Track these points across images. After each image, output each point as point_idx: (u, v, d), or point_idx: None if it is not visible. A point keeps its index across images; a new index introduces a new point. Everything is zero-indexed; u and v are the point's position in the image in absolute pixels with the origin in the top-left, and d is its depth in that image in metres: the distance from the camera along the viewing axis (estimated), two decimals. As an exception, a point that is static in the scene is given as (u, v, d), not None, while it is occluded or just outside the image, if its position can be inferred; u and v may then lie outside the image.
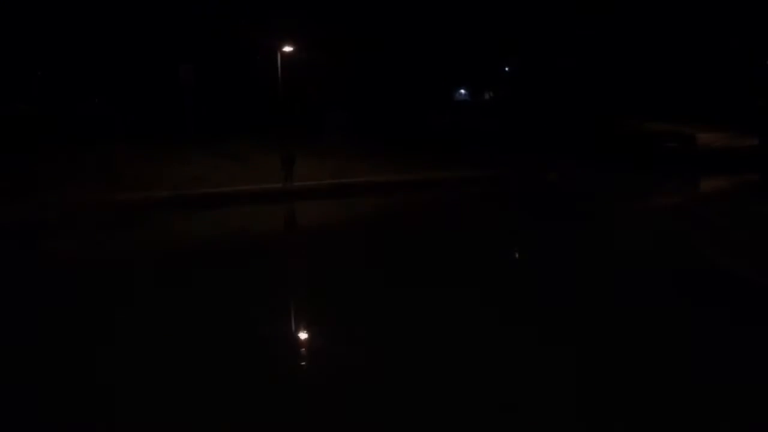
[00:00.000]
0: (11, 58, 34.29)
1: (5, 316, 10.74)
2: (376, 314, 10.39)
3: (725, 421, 6.76)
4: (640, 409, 6.96)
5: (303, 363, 8.67)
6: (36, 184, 22.68)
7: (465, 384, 7.58)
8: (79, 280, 13.24)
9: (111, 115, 33.28)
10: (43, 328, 10.02)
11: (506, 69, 57.40)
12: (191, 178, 25.32)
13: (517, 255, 16.08)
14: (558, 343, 8.99)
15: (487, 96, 59.43)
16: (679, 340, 9.07)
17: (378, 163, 30.30)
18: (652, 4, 45.26)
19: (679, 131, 47.20)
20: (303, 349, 9.19)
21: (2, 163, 24.68)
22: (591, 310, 10.48)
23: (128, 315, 10.58)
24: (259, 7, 38.62)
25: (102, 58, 35.98)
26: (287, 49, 33.80)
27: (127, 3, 36.18)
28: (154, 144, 29.38)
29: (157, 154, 27.94)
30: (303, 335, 9.84)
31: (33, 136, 28.44)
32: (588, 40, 45.50)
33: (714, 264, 13.36)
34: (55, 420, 6.86)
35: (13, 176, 23.51)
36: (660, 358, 8.41)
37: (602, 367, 8.12)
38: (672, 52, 43.78)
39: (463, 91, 60.00)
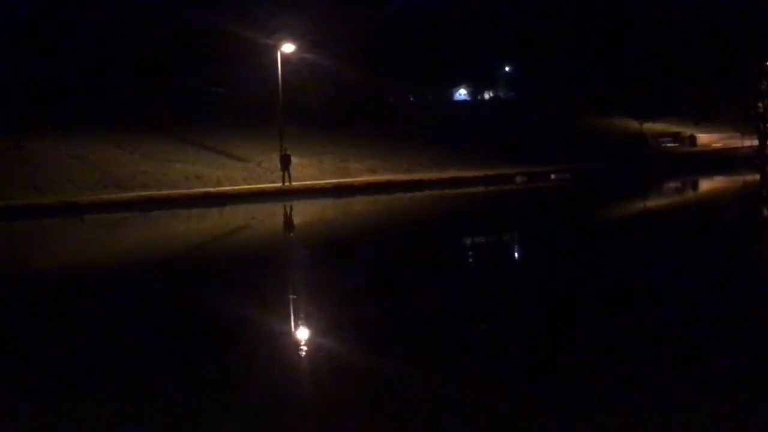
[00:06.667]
0: None
1: None
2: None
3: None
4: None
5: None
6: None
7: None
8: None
9: None
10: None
11: (506, 69, 57.55)
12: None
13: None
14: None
15: (487, 96, 59.52)
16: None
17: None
18: (654, 6, 45.58)
19: (679, 132, 47.52)
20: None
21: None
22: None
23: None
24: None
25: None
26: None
27: None
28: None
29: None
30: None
31: None
32: (591, 41, 45.76)
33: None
34: None
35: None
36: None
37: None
38: (673, 53, 44.02)
39: (462, 91, 59.92)
